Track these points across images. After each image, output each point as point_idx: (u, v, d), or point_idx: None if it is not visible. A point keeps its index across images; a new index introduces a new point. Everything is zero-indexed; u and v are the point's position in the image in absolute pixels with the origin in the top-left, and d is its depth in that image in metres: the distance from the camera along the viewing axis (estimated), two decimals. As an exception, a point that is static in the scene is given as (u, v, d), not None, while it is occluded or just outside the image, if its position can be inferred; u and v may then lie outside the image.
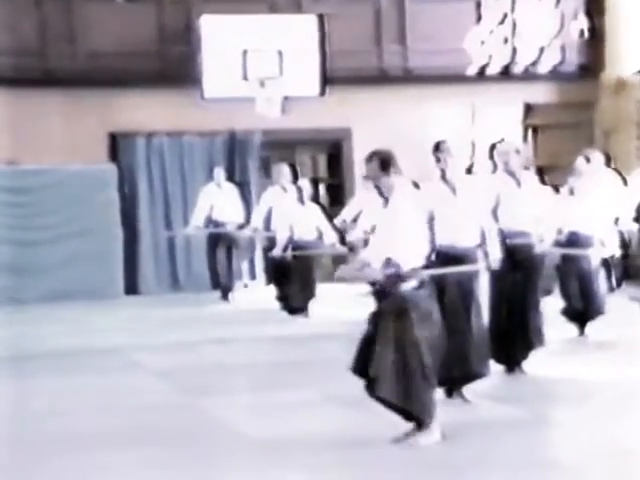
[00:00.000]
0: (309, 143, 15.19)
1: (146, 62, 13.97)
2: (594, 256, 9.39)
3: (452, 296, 6.70)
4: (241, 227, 13.03)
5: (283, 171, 12.12)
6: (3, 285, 13.01)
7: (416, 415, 5.83)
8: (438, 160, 6.88)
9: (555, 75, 15.25)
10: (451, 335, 6.35)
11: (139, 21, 14.09)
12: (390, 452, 5.74)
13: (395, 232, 5.79)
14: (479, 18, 14.98)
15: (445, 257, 6.43)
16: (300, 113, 13.97)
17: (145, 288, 14.21)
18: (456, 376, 6.76)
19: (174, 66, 13.87)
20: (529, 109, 15.30)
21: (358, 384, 5.91)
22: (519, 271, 7.67)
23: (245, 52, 13.87)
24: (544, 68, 15.18)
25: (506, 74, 15.01)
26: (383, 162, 5.91)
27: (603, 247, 9.49)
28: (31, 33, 13.82)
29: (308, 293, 11.46)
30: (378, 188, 5.96)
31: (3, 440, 6.47)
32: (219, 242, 13.17)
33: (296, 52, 14.09)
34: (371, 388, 5.82)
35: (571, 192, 9.42)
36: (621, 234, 10.95)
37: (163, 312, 12.34)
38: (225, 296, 13.17)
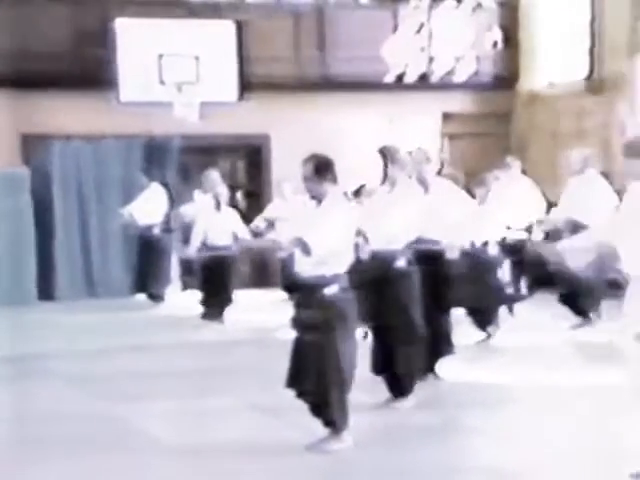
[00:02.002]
0: (228, 149, 15.14)
1: (62, 64, 13.75)
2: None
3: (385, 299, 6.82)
4: (164, 230, 13.12)
5: (213, 177, 12.07)
6: None
7: (333, 420, 5.86)
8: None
9: (471, 85, 15.49)
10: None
11: (54, 22, 13.86)
12: (305, 458, 5.76)
13: (323, 236, 5.77)
14: (396, 26, 15.14)
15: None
16: (219, 119, 13.93)
17: (60, 294, 13.97)
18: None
19: (91, 68, 13.67)
20: (446, 118, 15.51)
21: (274, 391, 5.90)
22: (429, 278, 7.75)
23: (161, 56, 13.78)
24: (460, 78, 15.40)
25: (423, 83, 15.20)
26: (317, 167, 5.92)
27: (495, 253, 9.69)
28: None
29: (224, 299, 11.44)
30: (310, 191, 5.98)
31: None
32: (146, 245, 13.21)
33: (214, 57, 14.06)
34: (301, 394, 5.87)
35: (481, 201, 9.55)
36: (531, 243, 11.14)
37: (78, 318, 12.15)
38: (155, 300, 13.15)
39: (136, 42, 13.75)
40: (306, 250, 5.76)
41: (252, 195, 15.19)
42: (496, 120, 15.37)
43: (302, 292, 5.97)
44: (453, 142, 15.55)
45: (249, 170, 15.49)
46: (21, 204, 13.57)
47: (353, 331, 5.93)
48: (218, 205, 11.56)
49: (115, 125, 13.82)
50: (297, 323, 5.96)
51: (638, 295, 5.03)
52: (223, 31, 14.29)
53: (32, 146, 14.11)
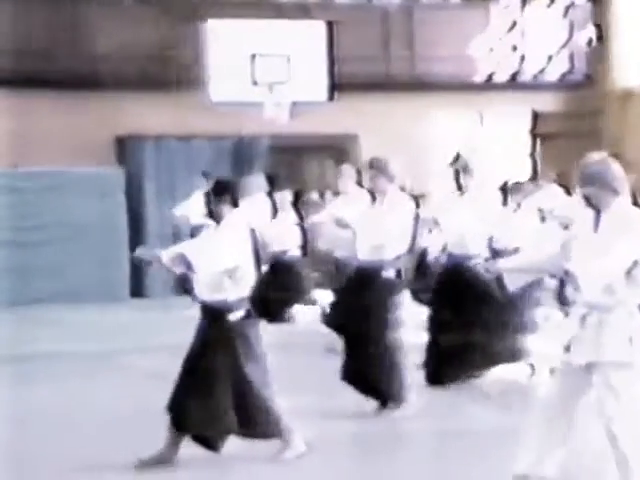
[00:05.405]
0: (316, 149, 15.20)
1: (154, 65, 14.01)
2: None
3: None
4: None
5: (258, 182, 11.81)
6: (4, 286, 12.98)
7: (265, 438, 5.78)
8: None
9: (563, 84, 15.25)
10: None
11: (146, 24, 14.12)
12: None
13: (212, 256, 5.63)
14: (488, 25, 15.00)
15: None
16: (308, 118, 13.99)
17: (151, 291, 14.26)
18: None
19: (182, 69, 13.89)
20: (537, 117, 15.29)
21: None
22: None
23: (254, 56, 13.91)
24: (552, 76, 15.17)
25: (514, 82, 15.02)
26: (216, 188, 5.80)
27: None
28: (37, 35, 13.83)
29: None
30: (210, 211, 5.84)
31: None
32: None
33: (304, 57, 14.12)
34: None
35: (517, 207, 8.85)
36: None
37: (168, 315, 12.32)
38: None
39: (228, 43, 13.90)
40: (190, 268, 5.65)
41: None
42: (588, 119, 15.07)
43: (206, 316, 5.77)
44: (545, 142, 15.33)
45: (338, 170, 15.49)
46: (115, 203, 13.92)
47: (258, 354, 5.74)
48: (275, 211, 11.31)
49: (206, 125, 14.02)
50: (198, 345, 5.78)
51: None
52: (313, 31, 14.35)
53: (126, 147, 14.43)
